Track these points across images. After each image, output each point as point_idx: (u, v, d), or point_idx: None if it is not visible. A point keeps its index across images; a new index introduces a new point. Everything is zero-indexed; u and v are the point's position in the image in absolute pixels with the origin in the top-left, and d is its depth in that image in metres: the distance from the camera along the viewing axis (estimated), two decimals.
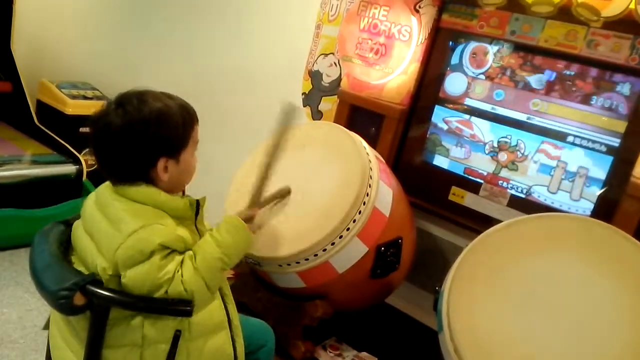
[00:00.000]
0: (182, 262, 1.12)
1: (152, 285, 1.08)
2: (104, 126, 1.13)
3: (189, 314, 1.09)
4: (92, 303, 1.08)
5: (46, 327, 1.35)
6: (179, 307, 1.09)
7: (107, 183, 1.22)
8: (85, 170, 3.05)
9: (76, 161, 3.06)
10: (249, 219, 1.28)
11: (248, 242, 1.24)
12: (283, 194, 1.56)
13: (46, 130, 3.22)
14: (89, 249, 1.15)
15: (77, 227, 1.23)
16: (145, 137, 1.11)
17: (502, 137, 1.80)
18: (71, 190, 3.00)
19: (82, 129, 3.29)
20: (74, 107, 3.27)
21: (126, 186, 1.14)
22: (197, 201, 1.22)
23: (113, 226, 1.11)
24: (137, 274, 1.07)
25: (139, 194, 1.13)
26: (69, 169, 3.02)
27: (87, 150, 3.29)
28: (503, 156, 1.81)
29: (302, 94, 2.31)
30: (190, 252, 1.14)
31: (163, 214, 1.13)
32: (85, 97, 3.36)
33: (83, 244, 1.18)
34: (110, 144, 1.13)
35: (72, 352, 1.18)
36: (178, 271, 1.10)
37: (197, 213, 1.22)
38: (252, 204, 1.35)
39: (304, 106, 2.30)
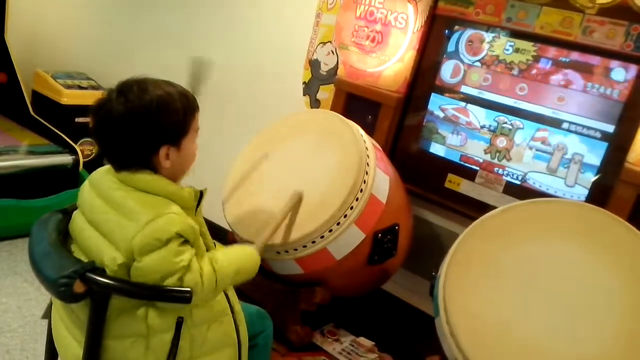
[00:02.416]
0: (199, 256, 1.14)
1: (166, 270, 1.09)
2: (105, 114, 1.13)
3: (187, 300, 1.10)
4: (92, 290, 1.09)
5: (45, 316, 1.35)
6: (179, 293, 1.10)
7: (102, 170, 1.22)
8: (81, 160, 3.05)
9: (72, 151, 3.06)
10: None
11: (248, 278, 1.30)
12: (296, 203, 1.51)
13: (42, 121, 3.21)
14: (93, 239, 1.15)
15: (77, 217, 1.23)
16: (146, 125, 1.12)
17: (498, 123, 1.81)
18: (68, 180, 3.00)
19: (77, 119, 3.29)
20: (69, 97, 3.26)
21: (130, 174, 1.14)
22: (201, 192, 1.23)
23: (126, 217, 1.11)
24: (153, 260, 1.08)
25: (148, 184, 1.14)
26: (66, 159, 3.02)
27: (83, 140, 3.30)
28: (499, 143, 1.82)
29: (303, 84, 2.31)
30: (211, 255, 1.18)
31: (172, 203, 1.14)
32: (80, 87, 3.35)
33: (85, 234, 1.18)
34: (112, 132, 1.14)
35: (75, 340, 1.19)
36: (194, 262, 1.12)
37: (198, 204, 1.23)
38: (262, 248, 1.39)
39: (304, 95, 2.30)
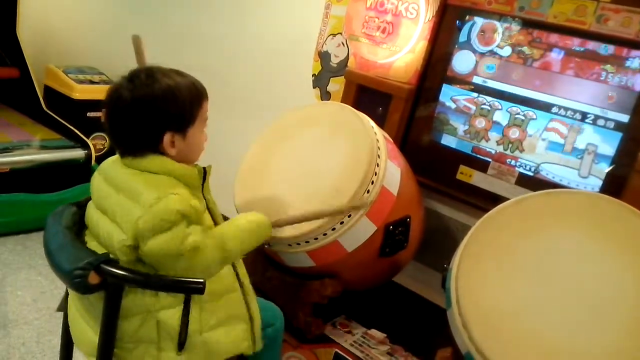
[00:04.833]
0: (201, 234, 1.14)
1: (174, 252, 1.10)
2: (114, 99, 1.16)
3: (201, 291, 1.11)
4: (107, 282, 1.10)
5: (60, 308, 1.37)
6: (192, 285, 1.11)
7: (112, 159, 1.24)
8: (94, 154, 3.07)
9: (84, 146, 3.08)
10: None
11: (257, 243, 1.30)
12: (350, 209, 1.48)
13: (54, 116, 3.24)
14: (101, 223, 1.17)
15: (89, 206, 1.26)
16: (151, 111, 1.13)
17: (510, 114, 1.80)
18: (80, 174, 3.02)
19: (89, 114, 3.31)
20: (81, 92, 3.29)
21: (137, 158, 1.16)
22: (204, 169, 1.24)
23: (129, 198, 1.12)
24: (161, 242, 1.09)
25: (151, 164, 1.16)
26: (78, 153, 3.05)
27: (95, 134, 3.32)
28: (511, 134, 1.80)
29: (312, 76, 2.30)
30: (218, 232, 1.20)
31: (176, 182, 1.15)
32: (92, 82, 3.37)
33: (95, 219, 1.20)
34: (119, 118, 1.16)
35: (90, 327, 1.21)
36: (202, 242, 1.13)
37: (203, 181, 1.24)
38: (282, 222, 1.41)
39: (314, 87, 2.29)
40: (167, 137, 1.15)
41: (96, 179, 1.25)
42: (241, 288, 1.28)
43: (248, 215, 1.31)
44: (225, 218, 1.31)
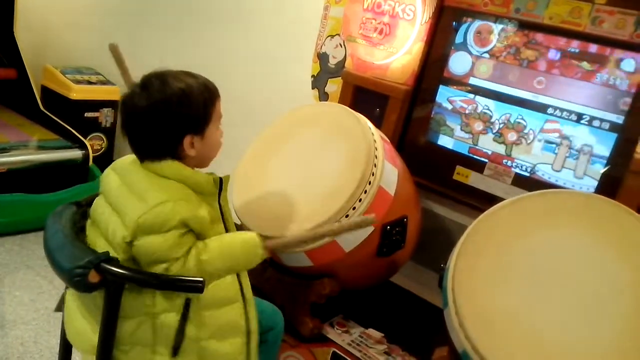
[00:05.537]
0: (190, 250, 1.14)
1: (159, 257, 1.12)
2: (130, 109, 1.17)
3: (200, 290, 1.12)
4: (107, 280, 1.10)
5: (58, 309, 1.38)
6: (191, 283, 1.12)
7: (130, 158, 1.25)
8: (91, 155, 3.08)
9: (82, 146, 3.09)
10: (273, 249, 1.30)
11: (247, 265, 1.25)
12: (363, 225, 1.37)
13: (51, 116, 3.24)
14: (110, 219, 1.19)
15: (98, 201, 1.27)
16: (169, 117, 1.15)
17: (507, 116, 1.81)
18: (78, 175, 3.03)
19: (87, 114, 3.32)
20: (78, 92, 3.29)
21: (154, 162, 1.18)
22: (221, 179, 1.25)
23: (138, 197, 1.14)
24: (151, 243, 1.11)
25: (165, 169, 1.17)
26: (75, 154, 3.05)
27: (92, 135, 3.33)
28: (507, 135, 1.81)
29: (311, 77, 2.31)
30: (201, 245, 1.16)
31: (187, 189, 1.17)
32: (89, 82, 3.37)
33: (103, 215, 1.21)
34: (137, 125, 1.18)
35: (89, 326, 1.21)
36: (185, 255, 1.13)
37: (220, 190, 1.25)
38: (285, 246, 1.36)
39: (312, 88, 2.30)
40: (187, 140, 1.17)
41: (110, 176, 1.26)
42: (243, 301, 1.27)
43: (244, 234, 1.25)
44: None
